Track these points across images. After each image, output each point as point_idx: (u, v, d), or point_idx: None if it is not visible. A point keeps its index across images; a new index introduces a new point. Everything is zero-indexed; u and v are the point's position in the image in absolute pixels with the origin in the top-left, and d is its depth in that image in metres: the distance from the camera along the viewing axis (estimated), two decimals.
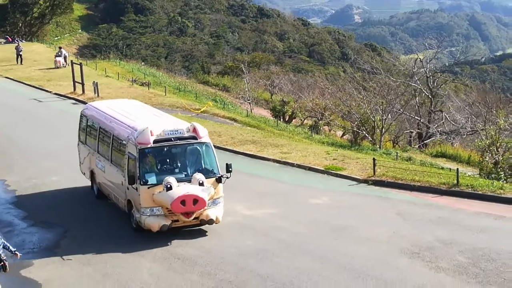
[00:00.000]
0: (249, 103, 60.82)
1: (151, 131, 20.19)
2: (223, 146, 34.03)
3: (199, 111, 47.83)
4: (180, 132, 20.64)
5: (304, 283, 17.01)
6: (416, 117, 49.94)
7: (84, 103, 48.28)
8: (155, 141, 20.25)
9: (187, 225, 20.47)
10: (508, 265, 17.69)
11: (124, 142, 21.24)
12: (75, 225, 22.27)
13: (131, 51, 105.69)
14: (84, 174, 25.83)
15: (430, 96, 50.68)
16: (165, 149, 20.60)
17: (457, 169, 26.52)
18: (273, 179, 27.70)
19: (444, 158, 40.96)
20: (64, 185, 26.88)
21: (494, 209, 22.74)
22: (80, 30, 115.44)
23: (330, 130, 53.81)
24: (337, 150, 33.61)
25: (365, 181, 26.86)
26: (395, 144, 49.65)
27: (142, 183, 19.86)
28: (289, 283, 17.05)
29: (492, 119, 38.82)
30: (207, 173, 20.50)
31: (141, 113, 23.64)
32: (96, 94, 50.22)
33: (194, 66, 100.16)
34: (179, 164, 20.76)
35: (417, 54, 57.29)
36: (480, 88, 58.48)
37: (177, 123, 21.78)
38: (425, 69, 51.44)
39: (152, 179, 20.02)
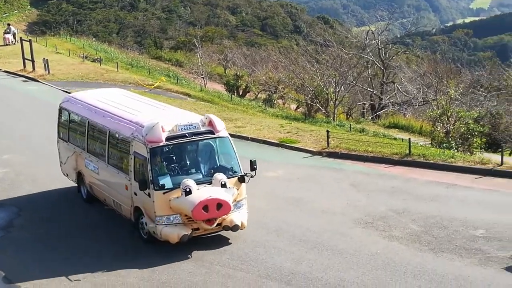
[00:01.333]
0: (203, 77, 60.61)
1: (162, 127, 17.47)
2: None
3: (152, 86, 47.50)
4: (195, 127, 17.82)
5: (260, 255, 17.11)
6: (368, 89, 50.39)
7: (35, 80, 47.63)
8: (167, 138, 17.49)
9: (207, 234, 18.00)
10: (460, 232, 18.03)
11: (126, 140, 18.36)
12: (28, 205, 22.01)
13: (82, 27, 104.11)
14: (67, 175, 22.76)
15: (382, 68, 51.13)
16: (180, 147, 17.87)
17: (409, 139, 26.89)
18: None
19: (397, 129, 41.52)
20: (16, 163, 26.50)
21: (446, 177, 23.13)
22: (29, 7, 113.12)
23: (284, 103, 54.02)
24: (291, 123, 33.77)
25: (319, 153, 27.05)
26: (348, 116, 50.08)
27: (156, 188, 17.11)
28: (245, 255, 17.14)
29: (443, 89, 39.42)
30: (228, 172, 17.94)
31: (138, 105, 20.60)
32: (47, 71, 49.49)
33: (147, 42, 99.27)
34: (196, 164, 18.17)
35: (369, 26, 57.64)
36: (431, 59, 59.03)
37: (188, 116, 18.95)
38: (377, 41, 51.83)
39: (167, 183, 17.25)
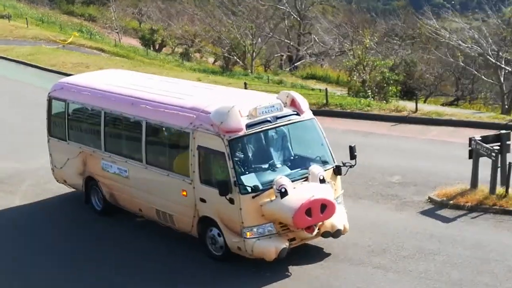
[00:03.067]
0: (117, 32, 59.39)
1: (239, 111, 13.70)
2: None
3: (66, 42, 46.28)
4: (278, 108, 14.10)
5: None
6: (286, 40, 50.36)
7: None
8: (248, 126, 13.64)
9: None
10: (376, 178, 18.33)
11: (181, 132, 14.53)
12: None
13: None
14: (64, 182, 18.45)
15: (299, 19, 51.10)
16: (263, 135, 14.17)
17: (326, 89, 27.06)
18: None
19: (314, 80, 41.76)
20: None
21: (363, 126, 23.43)
22: None
23: (201, 57, 53.56)
24: (208, 76, 33.57)
25: None
26: (266, 68, 50.07)
27: (243, 191, 13.26)
28: None
29: (359, 39, 39.70)
30: (321, 163, 14.37)
31: (175, 87, 16.80)
32: None
33: None
34: (282, 155, 14.46)
35: None
36: (347, 9, 59.46)
37: (254, 95, 15.74)
38: None
39: (256, 184, 13.45)
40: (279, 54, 52.19)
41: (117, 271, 14.34)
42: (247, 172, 13.63)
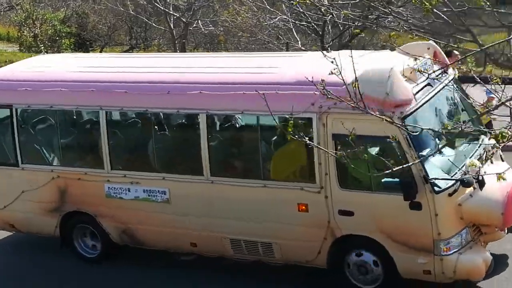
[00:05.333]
0: None
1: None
2: None
3: None
4: (429, 66, 9.72)
5: None
6: None
7: None
8: (414, 94, 9.41)
9: None
10: None
11: (296, 118, 8.49)
12: None
13: None
14: (10, 227, 12.25)
15: None
16: (429, 105, 9.75)
17: None
18: None
19: None
20: None
21: None
22: None
23: None
24: None
25: None
26: None
27: (437, 189, 9.04)
28: None
29: None
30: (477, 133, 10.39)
31: (238, 61, 12.01)
32: None
33: None
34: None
35: None
36: None
37: (379, 54, 11.08)
38: None
39: (444, 176, 9.28)
40: None
41: None
42: (430, 161, 9.30)
